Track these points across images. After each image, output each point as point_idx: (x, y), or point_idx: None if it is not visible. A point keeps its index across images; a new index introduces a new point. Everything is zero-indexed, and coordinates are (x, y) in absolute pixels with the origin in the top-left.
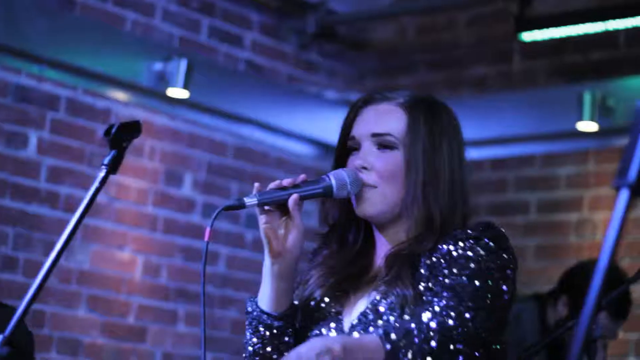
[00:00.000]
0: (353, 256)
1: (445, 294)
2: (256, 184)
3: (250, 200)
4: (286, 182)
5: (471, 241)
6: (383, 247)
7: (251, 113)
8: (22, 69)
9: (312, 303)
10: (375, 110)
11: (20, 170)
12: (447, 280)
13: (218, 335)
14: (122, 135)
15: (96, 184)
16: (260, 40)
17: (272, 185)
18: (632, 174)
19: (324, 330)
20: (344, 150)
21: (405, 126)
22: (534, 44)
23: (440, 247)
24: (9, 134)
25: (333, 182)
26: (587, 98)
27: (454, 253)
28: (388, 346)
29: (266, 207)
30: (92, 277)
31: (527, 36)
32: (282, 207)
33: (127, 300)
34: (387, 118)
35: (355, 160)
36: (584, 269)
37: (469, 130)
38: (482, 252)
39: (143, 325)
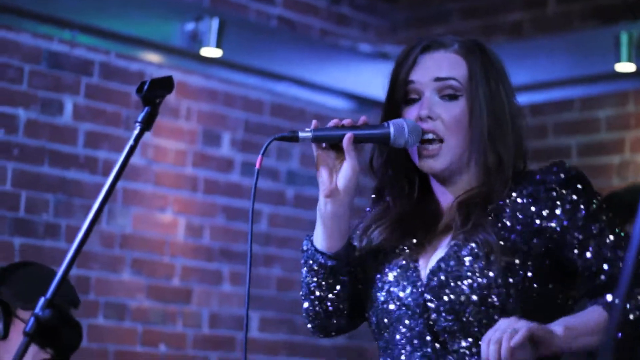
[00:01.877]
0: (413, 206)
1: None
2: (314, 121)
3: (304, 134)
4: (345, 121)
5: (573, 187)
6: (446, 196)
7: (285, 69)
8: (54, 35)
9: (382, 253)
10: (433, 59)
11: (57, 137)
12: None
13: (264, 293)
14: (155, 92)
15: (131, 142)
16: None
17: (330, 123)
18: None
19: (399, 280)
20: (397, 99)
21: (466, 73)
22: None
23: (530, 190)
24: (44, 101)
25: (391, 129)
26: (624, 38)
27: (567, 205)
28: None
29: (323, 145)
30: (134, 240)
31: None
32: (338, 146)
33: (171, 262)
34: (448, 65)
35: (420, 110)
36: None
37: None
38: (587, 197)
39: (188, 286)
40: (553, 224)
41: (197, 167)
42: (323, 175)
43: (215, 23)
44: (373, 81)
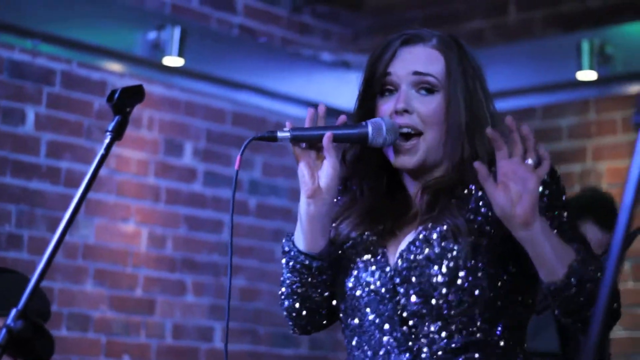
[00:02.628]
0: (382, 197)
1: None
2: (287, 122)
3: (282, 134)
4: (320, 110)
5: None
6: (416, 188)
7: (247, 78)
8: (16, 44)
9: (351, 242)
10: (412, 52)
11: (19, 147)
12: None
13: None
14: (125, 100)
15: (102, 151)
16: (252, 5)
17: (307, 123)
18: None
19: (368, 266)
20: (372, 91)
21: (444, 69)
22: None
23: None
24: (6, 111)
25: (369, 128)
26: (585, 47)
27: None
28: (577, 264)
29: (302, 145)
30: (97, 251)
31: None
32: (318, 146)
33: (134, 273)
34: (427, 60)
35: (396, 104)
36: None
37: None
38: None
39: (151, 297)
40: None
41: (159, 177)
42: (305, 175)
43: (177, 32)
44: (335, 90)
